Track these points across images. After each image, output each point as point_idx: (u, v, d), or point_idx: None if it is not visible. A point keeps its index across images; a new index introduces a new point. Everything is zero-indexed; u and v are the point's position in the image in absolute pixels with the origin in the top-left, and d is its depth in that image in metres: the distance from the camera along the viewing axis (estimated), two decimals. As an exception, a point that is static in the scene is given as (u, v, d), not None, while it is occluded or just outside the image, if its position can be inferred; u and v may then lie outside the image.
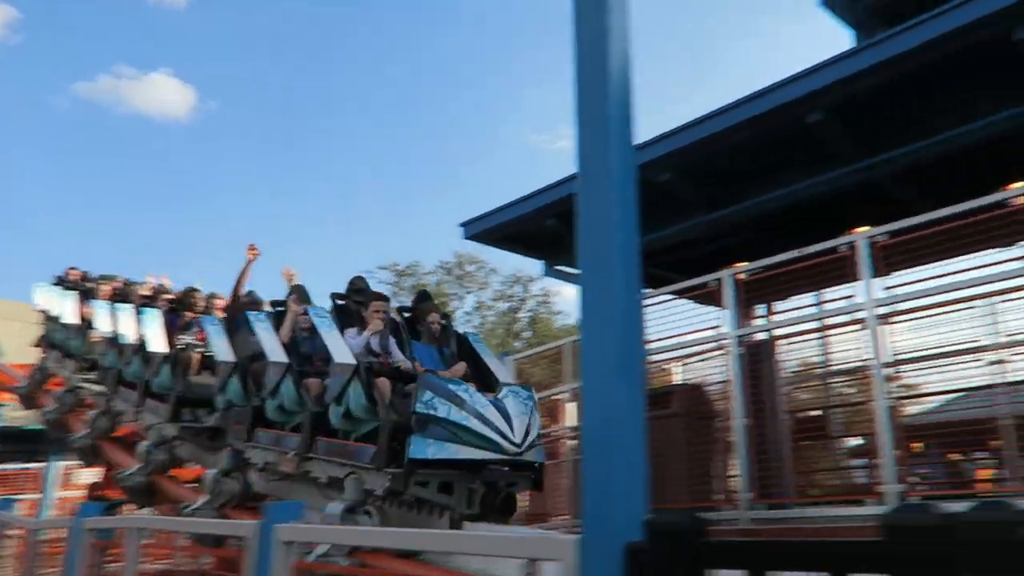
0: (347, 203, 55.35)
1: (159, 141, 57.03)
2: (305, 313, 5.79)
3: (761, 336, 7.05)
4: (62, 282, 9.87)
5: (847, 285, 6.13)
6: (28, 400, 10.47)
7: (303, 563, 3.67)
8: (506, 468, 4.91)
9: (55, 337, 9.57)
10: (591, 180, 2.41)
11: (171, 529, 5.54)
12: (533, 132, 56.22)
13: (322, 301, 6.19)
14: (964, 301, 5.55)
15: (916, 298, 5.64)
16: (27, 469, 16.04)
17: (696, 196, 6.93)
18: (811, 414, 7.19)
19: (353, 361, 5.00)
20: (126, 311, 7.89)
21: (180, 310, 7.81)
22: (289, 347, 5.82)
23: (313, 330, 5.60)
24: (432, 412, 4.57)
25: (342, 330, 5.51)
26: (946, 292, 5.51)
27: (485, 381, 5.26)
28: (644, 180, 6.98)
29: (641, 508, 2.11)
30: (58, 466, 12.96)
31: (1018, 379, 5.39)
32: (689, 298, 7.22)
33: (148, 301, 8.11)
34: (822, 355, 6.95)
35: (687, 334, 6.92)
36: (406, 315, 6.15)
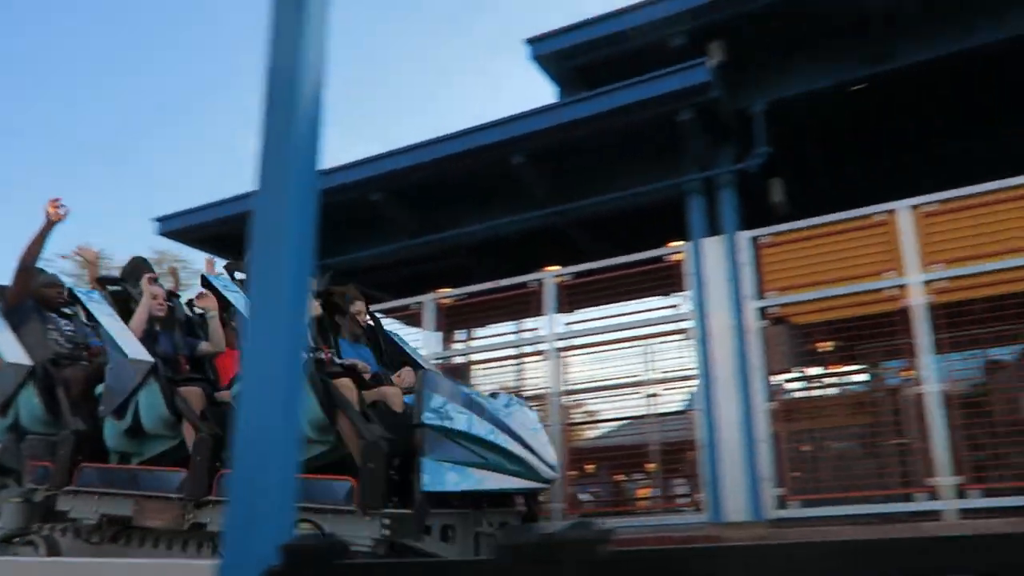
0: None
1: None
2: (169, 298, 4.65)
3: (459, 360, 7.40)
4: None
5: (537, 318, 6.68)
6: None
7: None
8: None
9: None
10: (268, 197, 2.32)
11: None
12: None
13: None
14: (628, 340, 6.34)
15: (589, 335, 6.30)
16: None
17: (408, 219, 7.08)
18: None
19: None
20: None
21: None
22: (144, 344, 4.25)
23: (169, 321, 4.57)
24: (448, 424, 3.38)
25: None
26: (613, 331, 6.23)
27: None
28: (356, 199, 7.10)
29: (289, 529, 2.04)
30: None
31: (667, 411, 6.27)
32: (395, 318, 7.35)
33: None
34: (515, 381, 7.41)
35: (386, 355, 6.99)
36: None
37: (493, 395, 4.20)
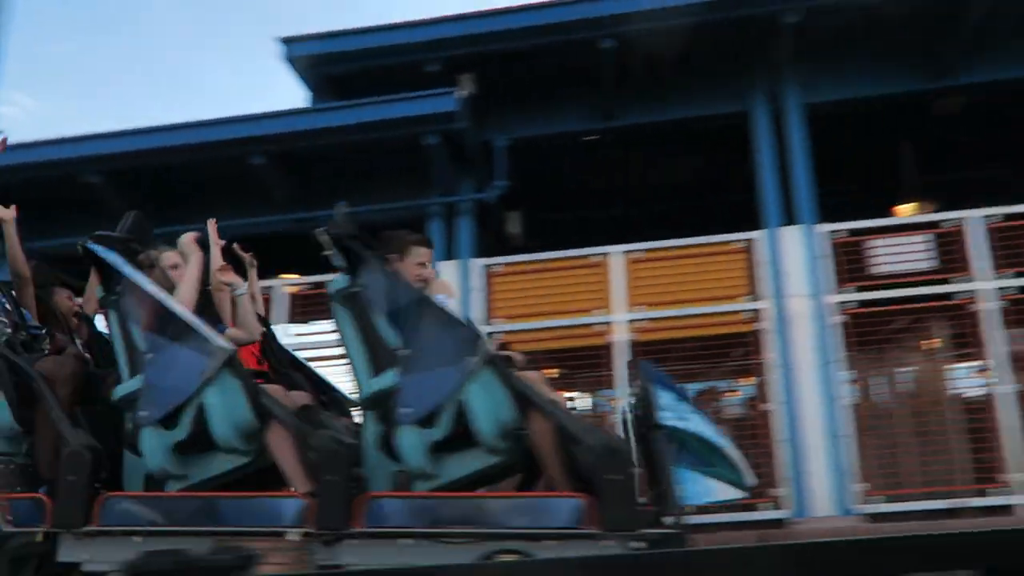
0: None
1: None
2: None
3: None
4: None
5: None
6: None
7: None
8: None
9: None
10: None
11: None
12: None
13: None
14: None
15: (314, 348, 6.16)
16: None
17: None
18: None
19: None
20: None
21: None
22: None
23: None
24: (686, 425, 2.86)
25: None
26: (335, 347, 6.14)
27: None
28: (69, 178, 6.31)
29: None
30: None
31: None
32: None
33: None
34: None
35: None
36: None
37: None
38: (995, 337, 5.33)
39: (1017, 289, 5.35)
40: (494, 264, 5.98)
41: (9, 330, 3.36)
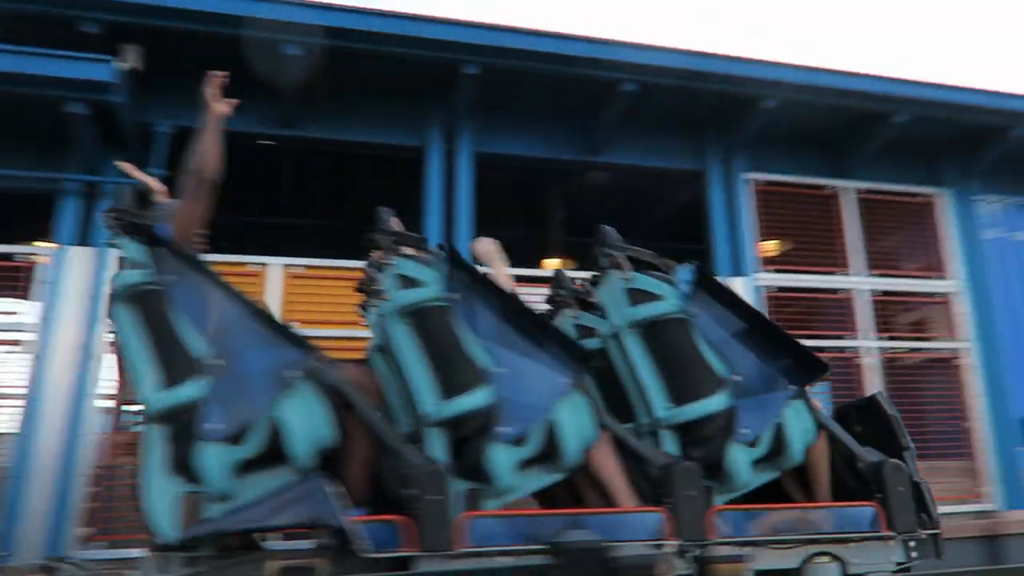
0: None
1: None
2: None
3: None
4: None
5: None
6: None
7: None
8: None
9: None
10: None
11: None
12: None
13: None
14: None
15: None
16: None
17: None
18: None
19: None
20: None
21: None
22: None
23: None
24: None
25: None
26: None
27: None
28: None
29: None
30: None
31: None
32: None
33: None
34: None
35: None
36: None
37: None
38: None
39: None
40: (136, 258, 5.42)
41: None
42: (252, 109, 6.05)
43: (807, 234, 7.31)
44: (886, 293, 7.31)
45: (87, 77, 4.96)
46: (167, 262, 2.57)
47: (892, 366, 7.05)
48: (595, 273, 3.22)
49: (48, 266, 5.29)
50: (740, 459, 2.80)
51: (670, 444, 2.84)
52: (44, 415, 5.04)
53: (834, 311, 7.16)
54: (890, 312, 7.37)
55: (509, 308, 2.74)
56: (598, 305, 3.23)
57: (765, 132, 6.93)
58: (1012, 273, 7.77)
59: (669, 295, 2.92)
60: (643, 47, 5.97)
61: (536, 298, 6.27)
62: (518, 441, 2.55)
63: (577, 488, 2.81)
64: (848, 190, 7.45)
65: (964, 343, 7.36)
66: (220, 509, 2.35)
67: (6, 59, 4.85)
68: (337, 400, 2.52)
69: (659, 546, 2.49)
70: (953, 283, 7.50)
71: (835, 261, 7.30)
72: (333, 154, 6.70)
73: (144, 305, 2.49)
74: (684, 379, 2.84)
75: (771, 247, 7.51)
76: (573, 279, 3.72)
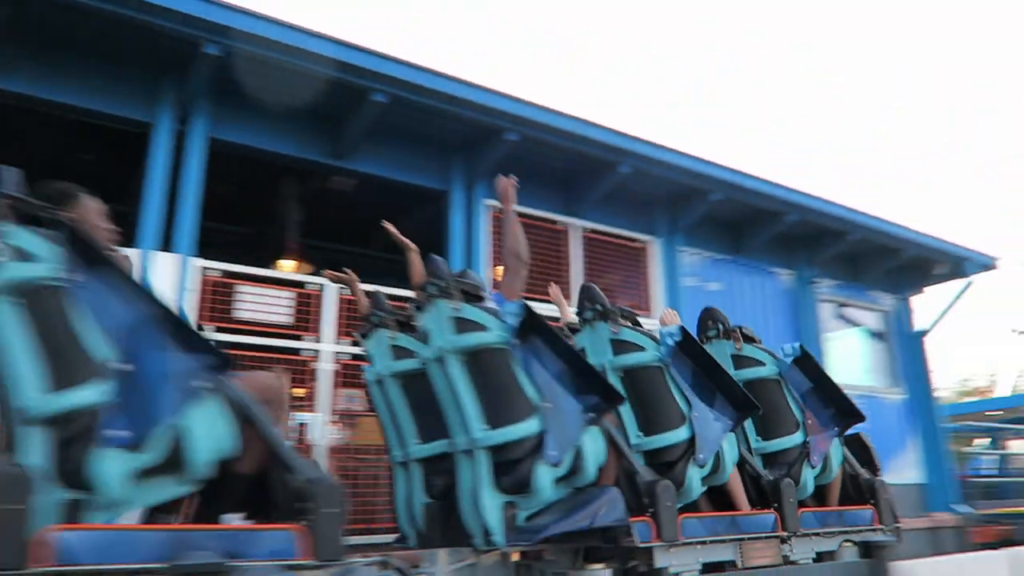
0: None
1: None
2: None
3: None
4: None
5: None
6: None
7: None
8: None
9: None
10: None
11: None
12: None
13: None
14: None
15: None
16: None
17: None
18: None
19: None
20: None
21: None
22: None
23: None
24: None
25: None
26: None
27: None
28: None
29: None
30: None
31: None
32: None
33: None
34: None
35: None
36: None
37: None
38: (330, 394, 6.04)
39: (350, 355, 6.13)
40: None
41: None
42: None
43: (538, 264, 7.78)
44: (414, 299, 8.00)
45: None
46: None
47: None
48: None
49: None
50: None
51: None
52: None
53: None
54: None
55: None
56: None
57: (508, 163, 7.29)
58: (703, 317, 8.90)
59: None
60: (394, 60, 5.98)
61: (270, 300, 6.02)
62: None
63: None
64: (576, 227, 8.07)
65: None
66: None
67: None
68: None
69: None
70: (655, 322, 8.42)
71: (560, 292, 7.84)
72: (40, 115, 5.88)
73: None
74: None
75: (500, 272, 7.89)
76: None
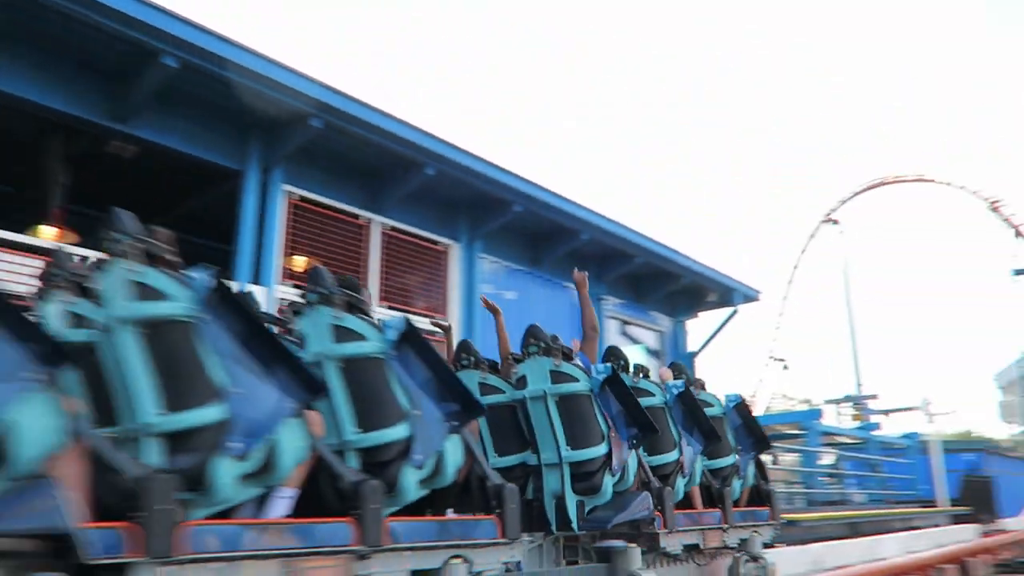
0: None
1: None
2: None
3: None
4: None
5: None
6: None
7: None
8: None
9: None
10: None
11: None
12: None
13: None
14: None
15: None
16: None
17: None
18: None
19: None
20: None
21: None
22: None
23: None
24: None
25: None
26: None
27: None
28: None
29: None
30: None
31: None
32: None
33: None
34: None
35: None
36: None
37: None
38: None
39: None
40: None
41: None
42: None
43: (336, 257, 7.60)
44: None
45: None
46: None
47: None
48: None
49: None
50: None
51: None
52: None
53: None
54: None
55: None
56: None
57: (311, 150, 7.07)
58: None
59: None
60: (189, 23, 5.56)
61: (25, 269, 5.35)
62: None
63: None
64: (377, 223, 7.98)
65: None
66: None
67: None
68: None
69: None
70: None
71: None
72: None
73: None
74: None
75: (297, 262, 7.63)
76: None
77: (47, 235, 6.75)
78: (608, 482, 4.04)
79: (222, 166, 6.79)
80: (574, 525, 3.93)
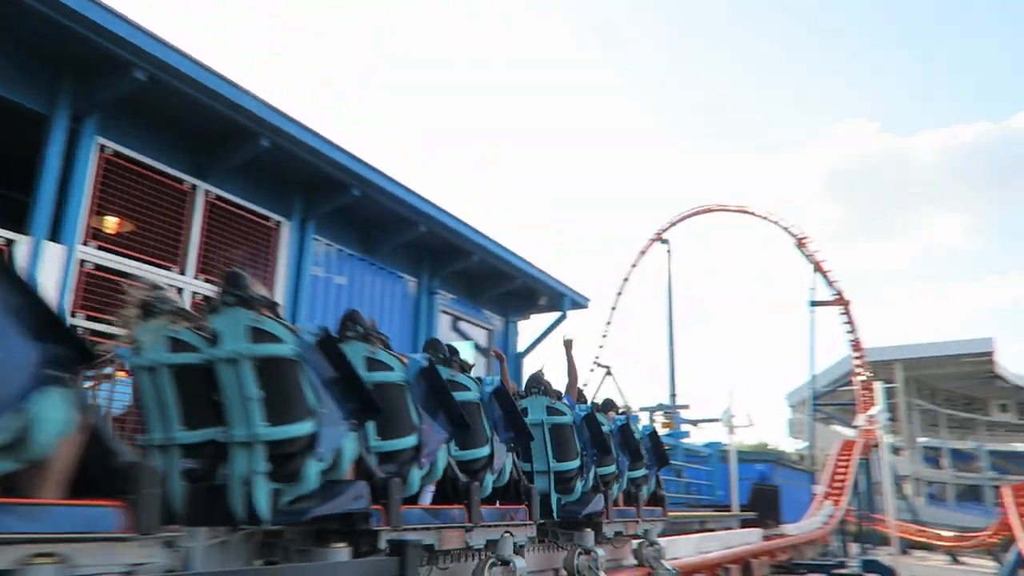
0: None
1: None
2: None
3: None
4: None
5: None
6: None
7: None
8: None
9: None
10: None
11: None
12: None
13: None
14: None
15: None
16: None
17: None
18: None
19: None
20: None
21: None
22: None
23: None
24: None
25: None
26: None
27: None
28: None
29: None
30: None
31: None
32: None
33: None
34: None
35: None
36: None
37: None
38: None
39: None
40: None
41: None
42: None
43: (152, 222, 7.11)
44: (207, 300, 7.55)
45: None
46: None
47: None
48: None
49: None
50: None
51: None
52: None
53: (152, 303, 7.05)
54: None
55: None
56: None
57: (134, 104, 6.58)
58: (326, 310, 8.91)
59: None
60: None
61: None
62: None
63: None
64: (202, 191, 7.55)
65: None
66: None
67: None
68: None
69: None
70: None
71: (170, 256, 7.25)
72: None
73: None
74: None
75: (108, 223, 7.06)
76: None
77: None
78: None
79: (25, 108, 6.15)
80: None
